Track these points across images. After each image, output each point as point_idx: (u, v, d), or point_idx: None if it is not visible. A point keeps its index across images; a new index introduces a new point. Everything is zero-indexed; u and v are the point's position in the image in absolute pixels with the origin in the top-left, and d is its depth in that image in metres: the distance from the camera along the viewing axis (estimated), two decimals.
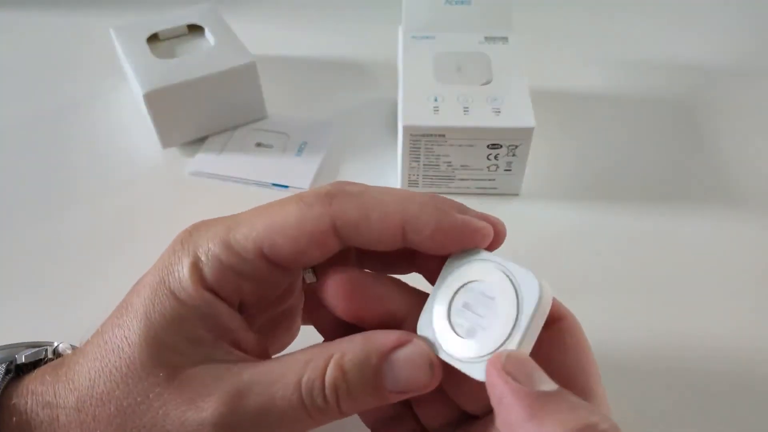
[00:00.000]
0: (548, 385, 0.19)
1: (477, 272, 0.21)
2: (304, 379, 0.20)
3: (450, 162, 0.42)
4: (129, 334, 0.21)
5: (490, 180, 0.42)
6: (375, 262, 0.25)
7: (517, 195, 0.43)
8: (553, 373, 0.20)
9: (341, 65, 0.55)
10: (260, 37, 0.53)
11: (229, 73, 0.45)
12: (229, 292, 0.22)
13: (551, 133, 0.47)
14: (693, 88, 0.52)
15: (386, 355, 0.21)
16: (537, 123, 0.40)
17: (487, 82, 0.42)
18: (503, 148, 0.40)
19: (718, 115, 0.50)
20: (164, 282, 0.21)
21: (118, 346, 0.21)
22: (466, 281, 0.21)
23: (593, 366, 0.22)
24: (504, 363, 0.19)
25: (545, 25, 0.59)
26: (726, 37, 0.58)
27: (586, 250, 0.40)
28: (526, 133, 0.40)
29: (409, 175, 0.42)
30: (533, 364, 0.20)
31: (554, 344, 0.22)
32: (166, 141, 0.46)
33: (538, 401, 0.18)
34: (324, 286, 0.23)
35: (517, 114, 0.40)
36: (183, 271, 0.21)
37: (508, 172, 0.42)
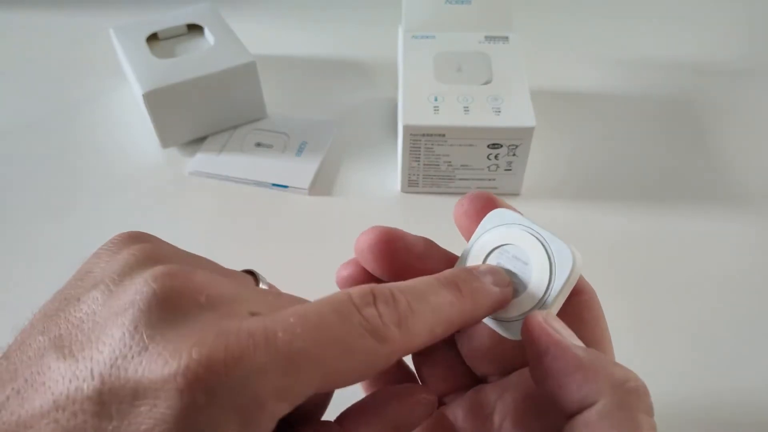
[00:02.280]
0: (580, 343, 0.20)
1: (511, 236, 0.22)
2: None
3: (450, 162, 0.41)
4: None
5: (490, 180, 0.42)
6: None
7: (517, 195, 0.43)
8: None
9: (341, 65, 0.55)
10: (260, 37, 0.53)
11: (228, 72, 0.45)
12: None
13: (551, 133, 0.47)
14: (693, 87, 0.52)
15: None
16: (537, 123, 0.40)
17: (488, 82, 0.42)
18: (503, 147, 0.40)
19: (718, 114, 0.50)
20: None
21: None
22: (499, 243, 0.22)
23: (609, 342, 0.22)
24: (546, 319, 0.20)
25: (545, 25, 0.59)
26: (726, 37, 0.58)
27: (586, 250, 0.40)
28: (527, 132, 0.39)
29: (409, 174, 0.42)
30: (564, 324, 0.21)
31: (573, 317, 0.22)
32: (165, 141, 0.46)
33: (584, 353, 0.19)
34: (361, 244, 0.23)
35: (518, 114, 0.40)
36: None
37: (508, 172, 0.42)
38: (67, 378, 0.15)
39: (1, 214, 0.42)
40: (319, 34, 0.59)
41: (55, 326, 0.17)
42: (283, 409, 0.16)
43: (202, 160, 0.45)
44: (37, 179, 0.45)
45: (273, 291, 0.22)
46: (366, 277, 0.24)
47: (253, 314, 0.17)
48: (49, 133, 0.48)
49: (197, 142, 0.47)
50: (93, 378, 0.15)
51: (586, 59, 0.55)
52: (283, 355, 0.16)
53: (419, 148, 0.41)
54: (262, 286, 0.22)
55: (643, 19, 0.60)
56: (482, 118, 0.40)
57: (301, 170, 0.44)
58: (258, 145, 0.47)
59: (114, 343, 0.16)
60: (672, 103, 0.51)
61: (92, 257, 0.20)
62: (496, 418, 0.23)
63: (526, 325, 0.20)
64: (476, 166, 0.42)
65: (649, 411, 0.18)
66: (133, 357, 0.15)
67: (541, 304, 0.21)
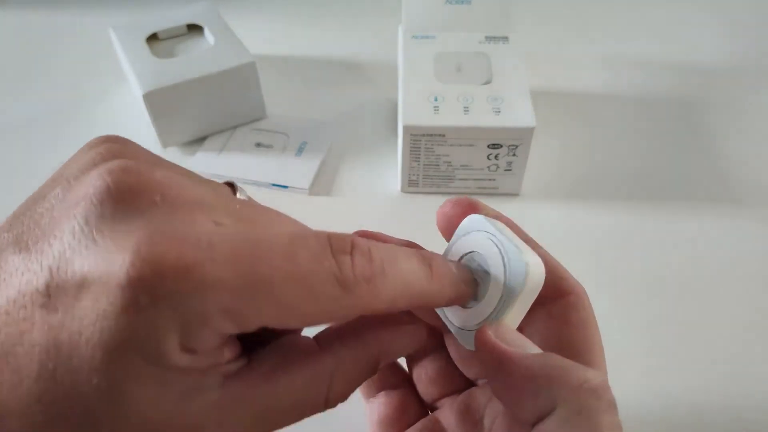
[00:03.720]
0: (536, 350, 0.20)
1: (478, 244, 0.22)
2: (307, 402, 0.19)
3: (450, 162, 0.41)
4: (88, 405, 0.15)
5: (490, 180, 0.42)
6: None
7: (517, 195, 0.43)
8: (556, 348, 0.21)
9: (341, 65, 0.55)
10: (260, 37, 0.53)
11: (228, 72, 0.45)
12: (213, 348, 0.17)
13: (551, 133, 0.47)
14: (693, 87, 0.52)
15: (383, 354, 0.21)
16: (537, 123, 0.40)
17: (488, 82, 0.42)
18: (503, 147, 0.40)
19: (718, 114, 0.50)
20: (127, 348, 0.15)
21: (50, 417, 0.15)
22: (468, 251, 0.22)
23: (597, 344, 0.22)
24: (495, 332, 0.20)
25: (545, 25, 0.59)
26: (726, 37, 0.58)
27: (586, 250, 0.40)
28: (527, 132, 0.39)
29: (409, 174, 0.42)
30: (520, 334, 0.20)
31: (559, 319, 0.22)
32: (165, 141, 0.46)
33: (535, 362, 0.19)
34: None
35: (518, 114, 0.40)
36: (159, 341, 0.15)
37: (508, 172, 0.42)
38: (20, 271, 0.15)
39: (0, 214, 0.42)
40: (319, 34, 0.59)
41: (19, 223, 0.17)
42: (230, 329, 0.16)
43: (202, 160, 0.45)
44: (37, 179, 0.44)
45: (249, 202, 0.20)
46: None
47: (217, 224, 0.16)
48: (48, 133, 0.48)
49: (197, 142, 0.47)
50: (42, 270, 0.15)
51: (586, 59, 0.55)
52: (241, 278, 0.15)
53: (419, 148, 0.41)
54: (240, 196, 0.20)
55: (642, 19, 0.60)
56: (482, 118, 0.40)
57: (301, 170, 0.44)
58: (258, 145, 0.47)
59: (64, 237, 0.15)
60: (672, 103, 0.51)
61: (69, 159, 0.19)
62: (486, 421, 0.23)
63: (476, 338, 0.20)
64: (476, 166, 0.42)
65: (610, 409, 0.18)
66: (81, 251, 0.15)
67: (494, 315, 0.20)
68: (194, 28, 0.49)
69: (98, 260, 0.15)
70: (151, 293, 0.14)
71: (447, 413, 0.24)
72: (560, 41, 0.58)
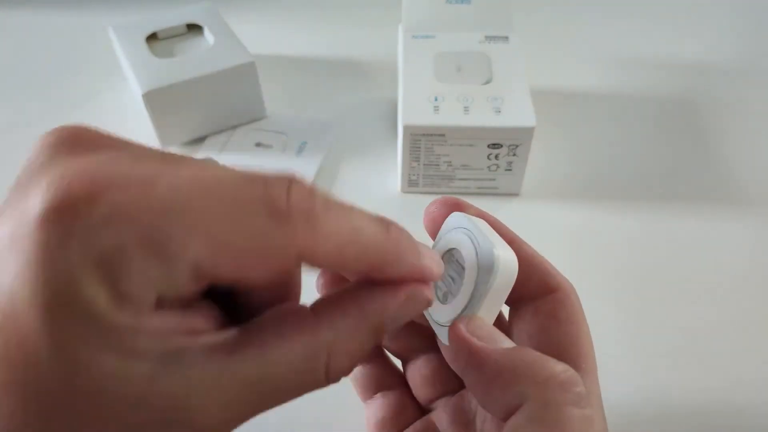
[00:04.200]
0: (508, 343, 0.20)
1: (457, 241, 0.22)
2: (305, 378, 0.17)
3: (450, 162, 0.41)
4: (44, 382, 0.14)
5: (490, 180, 0.42)
6: None
7: (517, 195, 0.43)
8: (543, 344, 0.21)
9: (341, 65, 0.55)
10: (260, 37, 0.53)
11: (228, 72, 0.44)
12: (150, 303, 0.15)
13: (551, 133, 0.47)
14: (693, 87, 0.52)
15: (389, 321, 0.18)
16: (537, 123, 0.39)
17: (488, 82, 0.42)
18: (504, 147, 0.40)
19: (718, 114, 0.50)
20: (61, 305, 0.13)
21: (27, 394, 0.14)
22: (448, 248, 0.22)
23: (585, 340, 0.22)
24: (467, 327, 0.20)
25: (545, 25, 0.59)
26: (726, 37, 0.58)
27: (586, 250, 0.40)
28: (527, 132, 0.39)
29: (409, 174, 0.42)
30: (492, 327, 0.20)
31: (547, 315, 0.22)
32: (165, 141, 0.46)
33: (504, 357, 0.19)
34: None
35: (518, 113, 0.40)
36: (86, 292, 0.13)
37: (508, 172, 0.42)
38: None
39: None
40: (319, 34, 0.58)
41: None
42: (158, 270, 0.14)
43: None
44: None
45: (202, 160, 0.17)
46: (342, 277, 0.22)
47: (142, 165, 0.15)
48: None
49: (197, 142, 0.47)
50: None
51: (586, 59, 0.55)
52: (158, 204, 0.14)
53: (419, 148, 0.41)
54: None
55: (643, 18, 0.60)
56: (482, 118, 0.40)
57: (301, 170, 0.44)
58: (258, 145, 0.47)
59: (7, 195, 0.15)
60: (672, 103, 0.51)
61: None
62: (478, 422, 0.23)
63: (449, 333, 0.20)
64: (476, 166, 0.41)
65: (579, 402, 0.18)
66: (10, 200, 0.15)
67: (468, 309, 0.21)
68: (194, 28, 0.49)
69: (19, 204, 0.14)
70: (63, 230, 0.13)
71: (440, 414, 0.24)
72: (560, 41, 0.57)
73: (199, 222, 0.14)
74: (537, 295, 0.22)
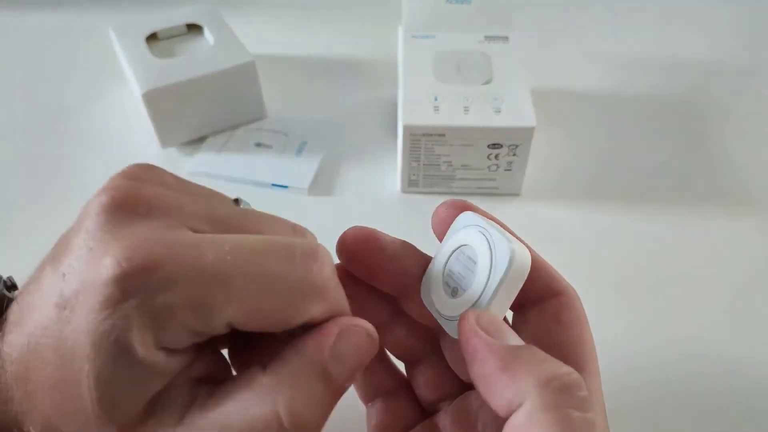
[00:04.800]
0: (517, 340, 0.20)
1: (468, 238, 0.22)
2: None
3: (450, 162, 0.41)
4: (82, 407, 0.18)
5: (490, 180, 0.42)
6: None
7: (517, 195, 0.43)
8: (547, 347, 0.21)
9: (341, 65, 0.55)
10: (260, 37, 0.52)
11: (228, 72, 0.44)
12: (185, 346, 0.19)
13: (551, 133, 0.47)
14: (693, 87, 0.52)
15: (330, 362, 0.19)
16: (537, 123, 0.39)
17: (488, 82, 0.42)
18: (504, 147, 0.40)
19: (718, 114, 0.50)
20: (110, 341, 0.17)
21: (71, 416, 0.18)
22: (458, 245, 0.22)
23: (588, 343, 0.22)
24: (477, 320, 0.20)
25: (545, 25, 0.59)
26: (726, 37, 0.58)
27: (586, 250, 0.40)
28: (527, 132, 0.39)
29: (409, 174, 0.42)
30: (502, 323, 0.20)
31: (550, 319, 0.22)
32: (165, 141, 0.46)
33: (509, 353, 0.19)
34: (337, 245, 0.23)
35: (518, 113, 0.40)
36: (137, 338, 0.17)
37: (508, 172, 0.42)
38: (48, 279, 0.19)
39: (0, 213, 0.42)
40: (319, 34, 0.58)
41: (61, 239, 0.20)
42: (197, 325, 0.18)
43: (202, 160, 0.45)
44: (36, 179, 0.44)
45: (243, 210, 0.22)
46: (348, 275, 0.23)
47: (195, 230, 0.19)
48: (49, 133, 0.48)
49: (197, 142, 0.47)
50: (60, 277, 0.18)
51: (586, 59, 0.55)
52: (204, 273, 0.17)
53: (419, 148, 0.41)
54: (243, 207, 0.23)
55: (643, 18, 0.60)
56: (482, 118, 0.40)
57: (301, 170, 0.44)
58: (258, 145, 0.46)
59: (74, 248, 0.18)
60: (673, 103, 0.51)
61: None
62: (480, 425, 0.23)
63: (458, 326, 0.20)
64: (476, 166, 0.41)
65: (582, 406, 0.18)
66: (81, 257, 0.18)
67: (478, 303, 0.21)
68: (194, 28, 0.49)
69: (90, 265, 0.18)
70: (123, 289, 0.17)
71: (443, 417, 0.24)
72: (560, 41, 0.57)
73: (236, 291, 0.18)
74: (541, 299, 0.22)
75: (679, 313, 0.36)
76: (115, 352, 0.17)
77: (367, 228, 0.23)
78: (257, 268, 0.18)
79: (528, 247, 0.22)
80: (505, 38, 0.46)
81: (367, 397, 0.26)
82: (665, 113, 0.50)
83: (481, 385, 0.19)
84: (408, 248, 0.24)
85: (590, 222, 0.42)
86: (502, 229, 0.22)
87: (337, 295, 0.20)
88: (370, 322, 0.21)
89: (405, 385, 0.26)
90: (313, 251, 0.19)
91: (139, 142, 0.46)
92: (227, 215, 0.20)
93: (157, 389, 0.18)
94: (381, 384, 0.26)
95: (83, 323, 0.17)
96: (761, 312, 0.36)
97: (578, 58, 0.56)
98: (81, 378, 0.17)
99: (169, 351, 0.18)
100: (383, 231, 0.23)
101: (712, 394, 0.33)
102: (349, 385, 0.20)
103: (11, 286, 0.23)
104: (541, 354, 0.19)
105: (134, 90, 0.45)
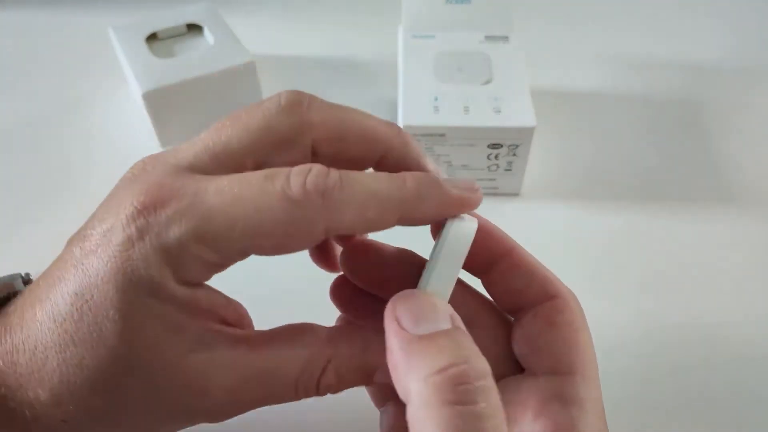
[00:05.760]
0: (433, 326, 0.18)
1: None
2: (301, 380, 0.21)
3: (450, 162, 0.41)
4: (103, 335, 0.19)
5: (490, 180, 0.42)
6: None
7: (517, 195, 0.43)
8: (539, 350, 0.21)
9: (341, 65, 0.55)
10: (260, 37, 0.52)
11: (228, 72, 0.44)
12: (206, 279, 0.20)
13: (551, 133, 0.47)
14: (694, 87, 0.52)
15: (380, 365, 0.21)
16: (537, 123, 0.39)
17: (488, 82, 0.42)
18: (504, 147, 0.40)
19: (719, 114, 0.50)
20: (131, 280, 0.19)
21: (93, 346, 0.19)
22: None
23: (585, 345, 0.22)
24: (394, 306, 0.19)
25: (545, 25, 0.59)
26: (727, 37, 0.58)
27: (586, 250, 0.40)
28: (527, 132, 0.39)
29: None
30: (432, 306, 0.19)
31: (543, 321, 0.22)
32: (165, 140, 0.46)
33: (411, 344, 0.18)
34: (343, 253, 0.24)
35: (518, 113, 0.40)
36: (153, 269, 0.19)
37: (508, 172, 0.42)
38: (66, 252, 0.21)
39: (1, 213, 0.42)
40: (319, 34, 0.58)
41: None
42: (208, 255, 0.19)
43: None
44: (36, 179, 0.44)
45: None
46: (351, 286, 0.24)
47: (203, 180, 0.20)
48: (48, 133, 0.48)
49: None
50: (95, 232, 0.20)
51: (586, 59, 0.55)
52: (204, 206, 0.19)
53: None
54: None
55: (643, 19, 0.60)
56: (482, 118, 0.40)
57: None
58: None
59: (95, 215, 0.21)
60: (672, 103, 0.51)
61: None
62: None
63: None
64: (476, 166, 0.41)
65: (466, 399, 0.17)
66: (99, 218, 0.20)
67: (420, 286, 0.21)
68: (194, 28, 0.49)
69: (114, 209, 0.20)
70: (138, 228, 0.19)
71: None
72: (560, 41, 0.57)
73: (234, 216, 0.19)
74: (536, 302, 0.22)
75: (680, 312, 0.36)
76: (138, 290, 0.19)
77: (365, 239, 0.24)
78: (246, 191, 0.19)
79: (523, 250, 0.23)
80: (505, 38, 0.46)
81: (380, 402, 0.26)
82: (665, 113, 0.50)
83: (392, 376, 0.19)
84: (406, 255, 0.24)
85: (590, 222, 0.42)
86: (467, 214, 0.21)
87: (344, 195, 0.20)
88: (374, 330, 0.21)
89: None
90: (307, 165, 0.20)
91: (139, 142, 0.46)
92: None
93: (182, 325, 0.19)
94: (393, 388, 0.26)
95: (105, 268, 0.19)
96: (762, 310, 0.36)
97: (578, 58, 0.56)
98: (105, 324, 0.19)
99: (191, 286, 0.20)
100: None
101: (713, 394, 0.33)
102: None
103: (27, 281, 0.25)
104: (443, 342, 0.18)
105: (134, 90, 0.45)
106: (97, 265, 0.19)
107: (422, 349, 0.18)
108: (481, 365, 0.18)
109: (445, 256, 0.20)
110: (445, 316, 0.19)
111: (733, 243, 0.40)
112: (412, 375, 0.17)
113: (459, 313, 0.20)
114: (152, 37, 0.48)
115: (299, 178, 0.19)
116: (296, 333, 0.22)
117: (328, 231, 0.19)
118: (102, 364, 0.19)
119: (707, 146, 0.47)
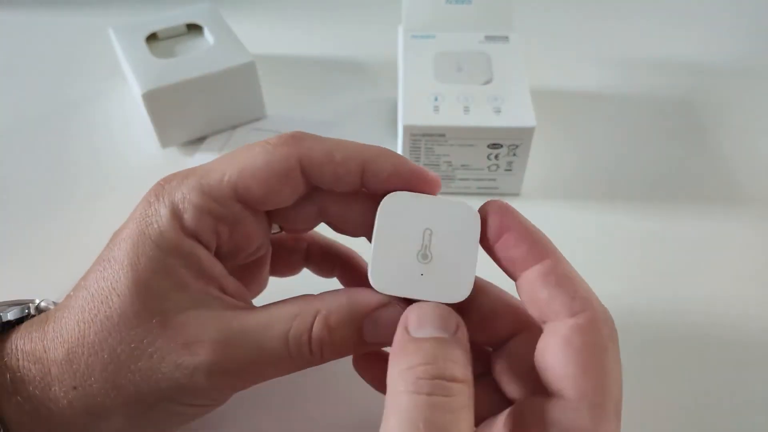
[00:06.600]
0: (431, 332, 0.20)
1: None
2: (292, 332, 0.22)
3: (450, 162, 0.41)
4: (117, 285, 0.22)
5: (490, 180, 0.42)
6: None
7: (517, 195, 0.43)
8: (555, 369, 0.20)
9: (341, 65, 0.55)
10: (260, 37, 0.53)
11: (228, 72, 0.44)
12: (208, 237, 0.23)
13: (551, 133, 0.47)
14: (693, 87, 0.52)
15: (369, 314, 0.22)
16: (537, 123, 0.39)
17: (488, 82, 0.42)
18: (504, 147, 0.40)
19: (718, 114, 0.50)
20: (145, 233, 0.22)
21: (107, 296, 0.22)
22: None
23: (598, 374, 0.20)
24: (408, 314, 0.21)
25: (546, 25, 0.59)
26: (726, 37, 0.58)
27: (586, 250, 0.40)
28: (527, 132, 0.39)
29: None
30: (433, 316, 0.21)
31: (561, 338, 0.20)
32: (165, 141, 0.46)
33: (405, 343, 0.20)
34: (355, 360, 0.27)
35: (518, 113, 0.40)
36: (162, 221, 0.22)
37: (508, 172, 0.42)
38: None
39: (1, 213, 0.42)
40: (319, 34, 0.58)
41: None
42: (208, 203, 0.22)
43: (202, 160, 0.45)
44: (36, 179, 0.44)
45: None
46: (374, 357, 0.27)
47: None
48: (48, 133, 0.48)
49: (197, 142, 0.47)
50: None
51: (586, 59, 0.55)
52: (205, 168, 0.23)
53: (419, 148, 0.41)
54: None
55: (643, 19, 0.60)
56: (482, 118, 0.40)
57: None
58: None
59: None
60: (672, 103, 0.51)
61: None
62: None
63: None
64: (476, 166, 0.41)
65: (421, 390, 0.19)
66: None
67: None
68: (194, 28, 0.49)
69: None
70: (156, 194, 0.23)
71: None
72: (560, 41, 0.57)
73: (228, 165, 0.23)
74: (557, 317, 0.21)
75: (679, 312, 0.36)
76: (148, 243, 0.22)
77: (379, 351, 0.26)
78: (242, 151, 0.23)
79: (562, 257, 0.24)
80: (505, 38, 0.46)
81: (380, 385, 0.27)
82: (665, 113, 0.50)
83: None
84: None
85: (590, 222, 0.42)
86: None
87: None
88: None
89: None
90: (294, 132, 0.23)
91: (139, 142, 0.46)
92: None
93: (186, 283, 0.22)
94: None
95: (128, 231, 0.22)
96: (762, 310, 0.36)
97: (578, 58, 0.56)
98: (119, 275, 0.22)
99: (196, 241, 0.22)
100: None
101: (713, 394, 0.33)
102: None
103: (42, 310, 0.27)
104: (431, 346, 0.20)
105: (134, 90, 0.45)
106: (122, 233, 0.23)
107: (410, 348, 0.20)
108: (457, 371, 0.19)
109: (464, 244, 0.24)
110: (448, 326, 0.20)
111: (733, 243, 0.40)
112: (393, 368, 0.19)
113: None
114: (152, 37, 0.48)
115: (279, 136, 0.23)
116: (288, 299, 0.23)
117: (302, 167, 0.23)
118: (113, 315, 0.21)
119: (707, 146, 0.47)
